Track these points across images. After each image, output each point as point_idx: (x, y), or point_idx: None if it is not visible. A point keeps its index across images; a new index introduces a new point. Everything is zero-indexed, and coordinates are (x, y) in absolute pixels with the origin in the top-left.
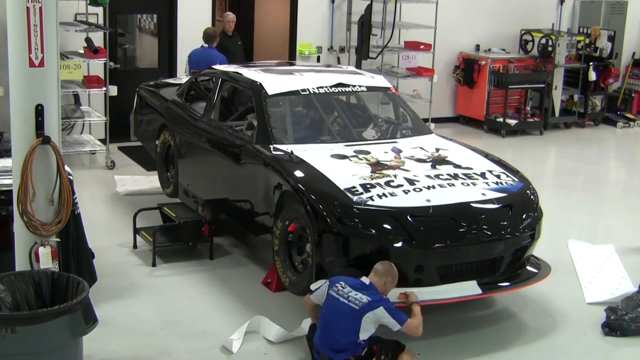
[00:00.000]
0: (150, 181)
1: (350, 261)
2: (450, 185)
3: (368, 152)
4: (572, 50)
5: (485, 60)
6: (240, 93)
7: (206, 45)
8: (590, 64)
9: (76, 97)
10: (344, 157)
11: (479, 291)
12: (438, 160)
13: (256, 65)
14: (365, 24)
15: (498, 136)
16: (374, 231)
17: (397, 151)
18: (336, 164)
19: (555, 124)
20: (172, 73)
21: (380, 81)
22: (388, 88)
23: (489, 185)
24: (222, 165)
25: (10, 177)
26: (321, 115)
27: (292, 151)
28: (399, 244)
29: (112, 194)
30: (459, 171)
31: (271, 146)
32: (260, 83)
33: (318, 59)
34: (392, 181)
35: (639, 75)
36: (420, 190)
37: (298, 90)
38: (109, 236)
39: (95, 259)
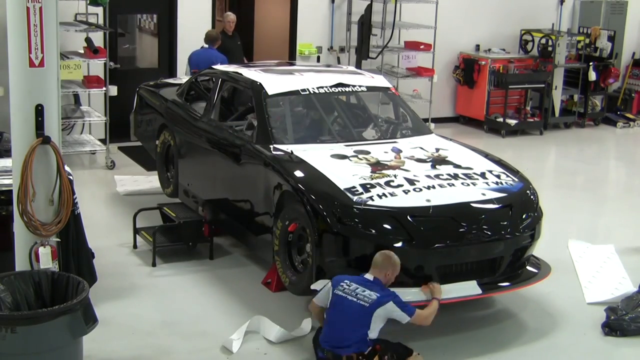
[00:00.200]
0: (150, 181)
1: (351, 261)
2: (450, 185)
3: (368, 152)
4: (572, 50)
5: (485, 60)
6: (240, 93)
7: (207, 46)
8: (590, 64)
9: (76, 97)
10: (344, 157)
11: (479, 291)
12: (438, 160)
13: (256, 65)
14: (365, 24)
15: (498, 136)
16: (374, 231)
17: (397, 151)
18: (336, 164)
19: (555, 124)
20: (172, 73)
21: (380, 81)
22: (388, 88)
23: (489, 185)
24: (222, 165)
25: (10, 177)
26: (321, 115)
27: (292, 151)
28: (399, 244)
29: (112, 194)
30: (459, 171)
31: (271, 146)
32: (260, 83)
33: (318, 59)
34: (392, 181)
35: (639, 75)
36: (420, 190)
37: (298, 90)
38: (109, 236)
39: (95, 259)
